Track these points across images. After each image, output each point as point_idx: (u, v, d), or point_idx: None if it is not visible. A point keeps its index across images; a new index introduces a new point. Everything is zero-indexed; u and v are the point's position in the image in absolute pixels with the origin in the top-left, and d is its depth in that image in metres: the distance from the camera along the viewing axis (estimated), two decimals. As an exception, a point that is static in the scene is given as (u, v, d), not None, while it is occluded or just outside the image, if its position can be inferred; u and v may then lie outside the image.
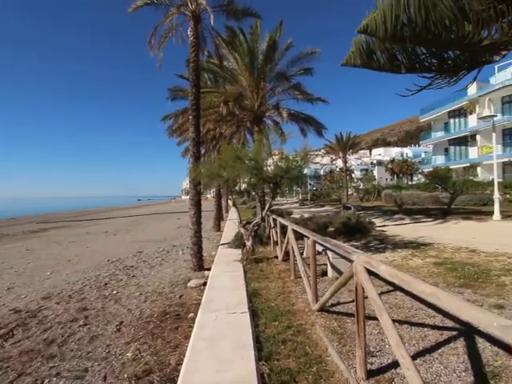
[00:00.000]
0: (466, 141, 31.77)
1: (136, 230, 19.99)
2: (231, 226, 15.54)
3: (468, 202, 21.98)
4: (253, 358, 2.98)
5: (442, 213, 17.32)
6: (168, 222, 24.88)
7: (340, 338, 3.50)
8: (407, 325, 3.75)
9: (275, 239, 9.04)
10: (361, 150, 53.58)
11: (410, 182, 52.83)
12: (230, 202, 32.88)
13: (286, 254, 7.17)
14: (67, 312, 5.48)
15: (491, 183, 18.48)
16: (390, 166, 61.97)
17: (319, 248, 6.26)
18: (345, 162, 41.08)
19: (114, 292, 6.55)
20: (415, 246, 8.90)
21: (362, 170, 73.86)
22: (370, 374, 2.75)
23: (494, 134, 16.04)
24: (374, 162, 79.17)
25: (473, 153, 30.47)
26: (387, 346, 3.17)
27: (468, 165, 28.26)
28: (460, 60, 3.47)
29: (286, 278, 6.19)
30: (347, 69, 3.89)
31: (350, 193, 42.64)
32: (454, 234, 10.72)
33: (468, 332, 3.37)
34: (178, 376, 2.88)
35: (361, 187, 45.41)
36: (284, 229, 7.49)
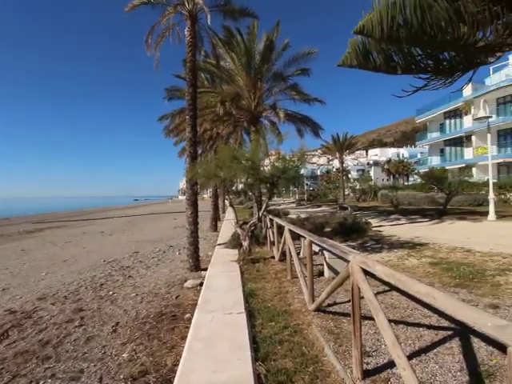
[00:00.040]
0: (461, 141, 32.01)
1: (132, 230, 19.91)
2: (228, 226, 15.53)
3: (463, 203, 22.13)
4: (249, 358, 2.97)
5: (438, 213, 17.41)
6: (164, 222, 24.81)
7: (336, 337, 3.50)
8: (403, 325, 3.76)
9: (272, 239, 9.04)
10: (357, 150, 53.73)
11: (406, 183, 53.07)
12: (226, 202, 32.86)
13: (283, 254, 7.18)
14: (63, 313, 5.45)
15: (486, 184, 18.62)
16: (386, 166, 62.25)
17: (316, 248, 6.26)
18: (341, 162, 41.17)
19: (110, 293, 6.52)
20: (411, 246, 8.94)
21: (358, 171, 74.20)
22: (366, 373, 2.76)
23: (489, 135, 16.16)
24: (371, 162, 79.52)
25: (468, 153, 30.69)
26: (383, 346, 3.18)
27: (463, 165, 28.49)
28: (455, 61, 3.49)
29: (282, 278, 6.19)
30: (344, 69, 3.92)
31: (346, 193, 42.80)
32: (450, 234, 10.78)
33: (463, 332, 3.39)
34: (174, 377, 2.88)
35: (357, 187, 45.56)
36: (281, 229, 7.50)
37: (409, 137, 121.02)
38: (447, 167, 26.15)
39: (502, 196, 21.69)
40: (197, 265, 8.10)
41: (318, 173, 71.31)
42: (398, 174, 59.40)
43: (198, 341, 3.41)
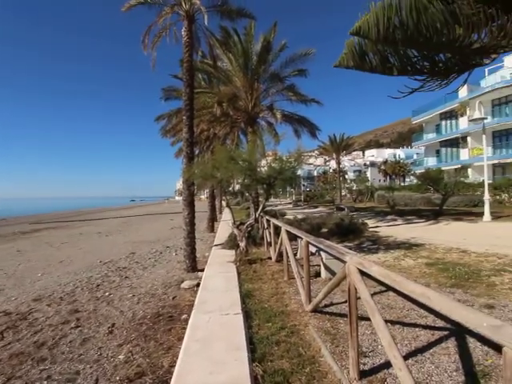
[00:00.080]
0: (457, 143, 32.23)
1: (129, 231, 19.83)
2: (225, 226, 15.50)
3: (459, 204, 22.27)
4: (246, 359, 2.97)
5: (434, 214, 17.50)
6: (161, 223, 24.74)
7: (333, 338, 3.51)
8: (399, 325, 3.78)
9: (269, 240, 9.04)
10: (354, 151, 54.00)
11: (402, 183, 53.30)
12: (223, 203, 32.82)
13: (280, 254, 7.18)
14: (58, 314, 5.41)
15: (481, 184, 18.72)
16: (382, 167, 62.51)
17: (312, 249, 6.27)
18: (338, 163, 41.26)
19: (107, 294, 6.49)
20: (407, 246, 8.98)
21: (355, 171, 74.41)
22: (363, 374, 2.77)
23: (484, 136, 16.28)
24: (367, 163, 79.83)
25: (464, 154, 30.90)
26: (380, 347, 3.19)
27: (459, 166, 28.64)
28: (451, 63, 3.52)
29: (279, 278, 6.19)
30: (341, 70, 3.92)
31: (343, 194, 42.85)
32: (446, 235, 10.84)
33: (459, 332, 3.41)
34: (170, 378, 2.86)
35: (354, 188, 45.74)
36: (277, 230, 7.50)
37: (405, 138, 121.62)
38: (443, 168, 26.30)
39: (497, 197, 21.84)
40: (194, 265, 8.08)
41: (315, 173, 71.46)
42: (394, 174, 59.69)
43: (194, 342, 3.40)
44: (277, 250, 7.53)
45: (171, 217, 29.82)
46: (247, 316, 4.21)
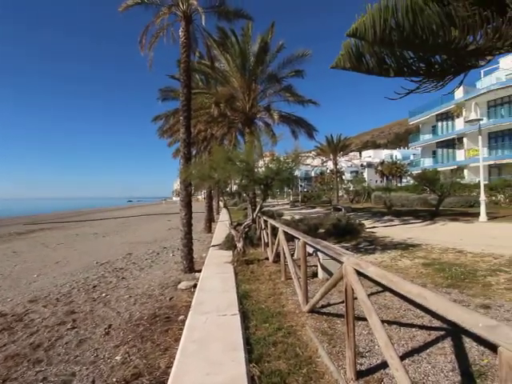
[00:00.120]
0: (453, 144, 32.42)
1: (126, 232, 19.76)
2: (222, 227, 15.49)
3: (455, 204, 22.37)
4: (243, 360, 2.97)
5: (430, 214, 17.57)
6: (158, 224, 24.68)
7: (330, 339, 3.51)
8: (396, 325, 3.79)
9: (266, 241, 9.04)
10: (351, 152, 54.04)
11: (399, 184, 53.48)
12: (221, 204, 32.81)
13: (277, 255, 7.18)
14: (54, 315, 5.38)
15: (477, 185, 18.87)
16: (379, 168, 62.73)
17: (310, 249, 6.28)
18: (335, 163, 41.32)
19: (103, 295, 6.46)
20: (404, 247, 9.01)
21: (352, 172, 74.68)
22: (360, 374, 2.77)
23: (480, 138, 16.38)
24: (364, 164, 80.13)
25: (460, 155, 31.10)
26: (376, 347, 3.19)
27: (455, 167, 28.86)
28: (447, 64, 3.54)
29: (276, 279, 6.19)
30: (338, 71, 3.93)
31: (340, 194, 42.95)
32: (442, 236, 10.89)
33: (455, 332, 3.42)
34: (167, 379, 2.86)
35: (351, 189, 45.81)
36: (275, 230, 7.50)
37: (402, 138, 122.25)
38: (439, 169, 26.43)
39: (493, 197, 21.97)
40: (191, 266, 8.07)
41: (312, 174, 71.51)
42: (391, 175, 59.92)
43: (191, 343, 3.39)
44: (274, 250, 7.53)
45: (168, 217, 29.75)
46: (244, 317, 4.21)
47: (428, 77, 3.69)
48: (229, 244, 9.45)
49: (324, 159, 46.69)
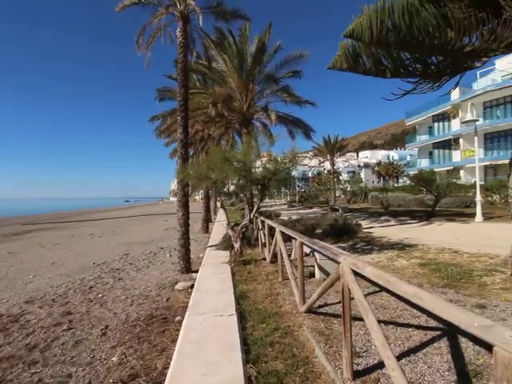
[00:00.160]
0: (449, 144, 32.58)
1: (123, 232, 19.68)
2: (219, 227, 15.46)
3: (451, 204, 22.48)
4: (240, 360, 2.96)
5: (427, 215, 17.64)
6: (155, 224, 24.60)
7: (327, 339, 3.52)
8: (393, 325, 3.80)
9: (263, 241, 9.04)
10: (348, 152, 54.08)
11: (395, 185, 53.68)
12: (218, 204, 32.75)
13: (274, 255, 7.18)
14: (50, 316, 5.35)
15: (473, 186, 18.96)
16: (376, 168, 62.97)
17: (307, 250, 6.29)
18: (332, 164, 41.42)
19: (100, 295, 6.43)
20: (401, 247, 9.04)
21: (349, 173, 74.76)
22: (357, 374, 2.78)
23: (476, 138, 16.50)
24: (361, 164, 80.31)
25: (456, 156, 31.26)
26: (373, 347, 3.20)
27: (451, 168, 29.00)
28: (443, 66, 3.56)
29: (273, 279, 6.19)
30: (335, 72, 3.94)
31: (337, 195, 43.01)
32: (438, 236, 10.94)
33: (451, 332, 3.43)
34: (164, 380, 2.85)
35: (348, 189, 45.95)
36: (272, 231, 7.51)
37: (399, 139, 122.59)
38: (436, 169, 26.55)
39: (489, 198, 22.07)
40: (188, 267, 8.05)
41: (310, 174, 71.56)
42: (388, 176, 60.16)
43: (188, 343, 3.39)
44: (271, 250, 7.53)
45: (165, 217, 29.67)
46: (241, 317, 4.21)
47: (424, 78, 3.71)
48: (226, 244, 9.44)
49: (321, 159, 46.79)
